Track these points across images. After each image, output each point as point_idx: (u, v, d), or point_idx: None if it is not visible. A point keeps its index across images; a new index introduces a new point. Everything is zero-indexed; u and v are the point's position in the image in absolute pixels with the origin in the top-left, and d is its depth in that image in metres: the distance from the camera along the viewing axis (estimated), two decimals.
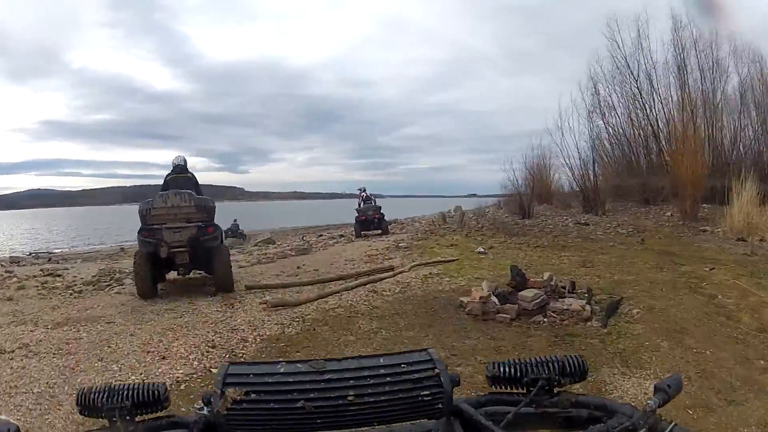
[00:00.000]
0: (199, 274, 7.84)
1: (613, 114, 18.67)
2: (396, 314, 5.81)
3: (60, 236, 36.67)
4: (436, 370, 0.77)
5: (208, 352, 4.74)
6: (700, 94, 16.39)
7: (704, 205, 13.97)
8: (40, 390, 3.89)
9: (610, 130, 18.78)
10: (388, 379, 0.76)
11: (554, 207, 19.13)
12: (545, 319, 5.37)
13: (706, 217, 13.39)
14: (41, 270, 10.47)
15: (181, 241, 6.79)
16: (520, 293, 5.52)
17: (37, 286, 8.15)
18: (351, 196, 19.15)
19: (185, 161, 7.97)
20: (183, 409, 3.21)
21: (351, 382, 0.75)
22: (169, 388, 0.79)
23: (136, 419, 0.76)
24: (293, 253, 11.56)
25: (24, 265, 13.29)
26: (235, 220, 22.85)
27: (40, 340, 5.14)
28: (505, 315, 5.38)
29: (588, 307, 5.59)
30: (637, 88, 17.96)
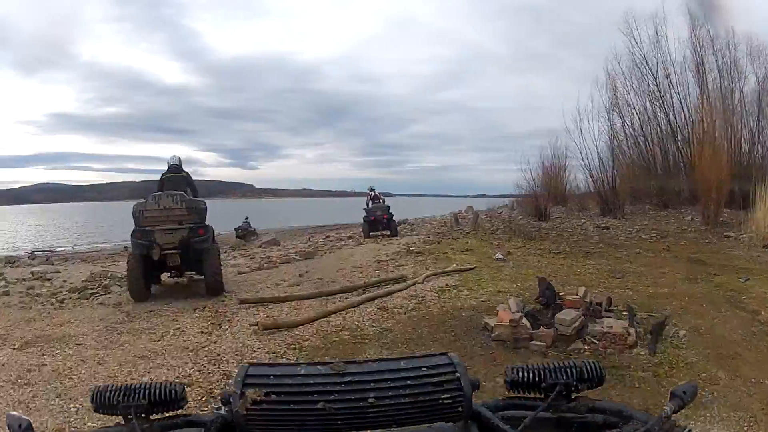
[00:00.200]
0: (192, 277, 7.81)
1: (631, 113, 18.01)
2: (410, 340, 5.06)
3: (65, 233, 36.47)
4: (457, 374, 0.76)
5: None
6: (719, 94, 15.86)
7: (724, 209, 13.50)
8: None
9: (627, 129, 18.13)
10: (408, 382, 0.75)
11: (569, 209, 18.53)
12: (586, 347, 4.62)
13: (728, 222, 12.83)
14: (31, 273, 9.91)
15: (173, 243, 6.78)
16: (557, 316, 4.74)
17: (22, 293, 7.71)
18: (360, 194, 18.85)
19: (180, 161, 7.97)
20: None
21: (372, 384, 0.74)
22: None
23: (152, 418, 0.77)
24: (297, 257, 10.83)
25: (18, 266, 12.69)
26: (246, 218, 22.60)
27: (3, 364, 4.55)
28: (539, 342, 4.60)
29: (632, 331, 4.86)
30: (656, 85, 17.36)
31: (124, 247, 19.11)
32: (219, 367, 4.43)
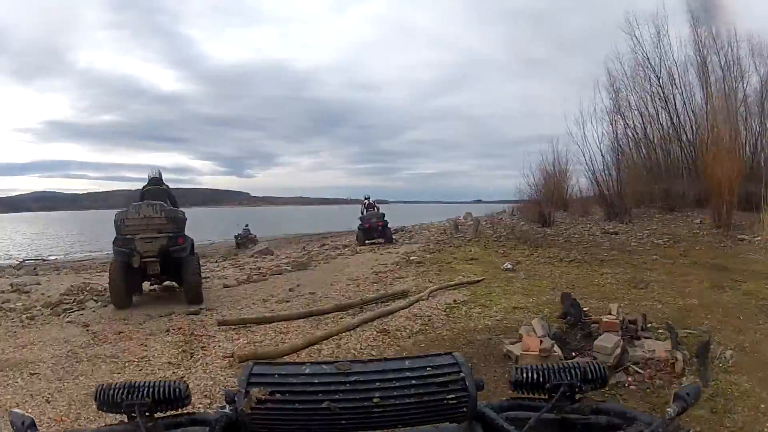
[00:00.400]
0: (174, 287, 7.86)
1: (633, 114, 17.58)
2: None
3: (59, 242, 35.87)
4: (462, 374, 0.76)
5: None
6: (723, 94, 15.43)
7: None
8: None
9: (629, 132, 17.66)
10: (413, 382, 0.74)
11: (571, 214, 17.96)
12: (629, 378, 3.88)
13: (739, 225, 12.33)
14: (11, 285, 9.48)
15: (153, 251, 6.87)
16: (597, 343, 3.99)
17: None
18: (356, 202, 18.62)
19: (161, 174, 8.20)
20: None
21: (377, 384, 0.73)
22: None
23: (156, 416, 0.77)
24: (289, 268, 10.10)
25: (1, 277, 12.12)
26: (246, 226, 22.72)
27: None
28: None
29: (679, 355, 4.16)
30: (660, 86, 16.91)
31: None
32: None
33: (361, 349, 4.80)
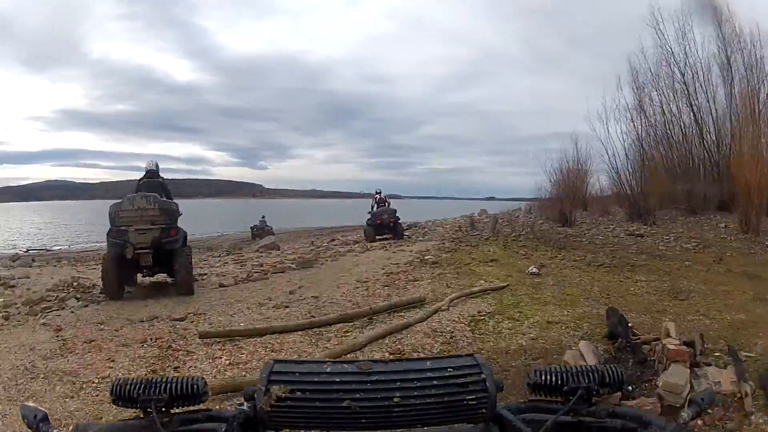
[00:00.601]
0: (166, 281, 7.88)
1: (656, 112, 16.76)
2: None
3: (66, 232, 35.71)
4: (482, 375, 0.75)
5: None
6: (748, 92, 14.56)
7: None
8: None
9: (651, 131, 16.84)
10: (434, 382, 0.73)
11: (590, 213, 17.35)
12: (699, 421, 3.10)
13: (765, 230, 11.70)
14: None
15: (146, 243, 6.95)
16: (665, 380, 3.17)
17: None
18: (369, 196, 18.25)
19: (157, 166, 8.30)
20: None
21: (397, 384, 0.72)
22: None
23: (172, 412, 0.76)
24: (294, 266, 9.38)
25: None
26: (263, 217, 23.15)
27: None
28: None
29: (747, 388, 3.39)
30: (683, 83, 16.08)
31: None
32: None
33: None
